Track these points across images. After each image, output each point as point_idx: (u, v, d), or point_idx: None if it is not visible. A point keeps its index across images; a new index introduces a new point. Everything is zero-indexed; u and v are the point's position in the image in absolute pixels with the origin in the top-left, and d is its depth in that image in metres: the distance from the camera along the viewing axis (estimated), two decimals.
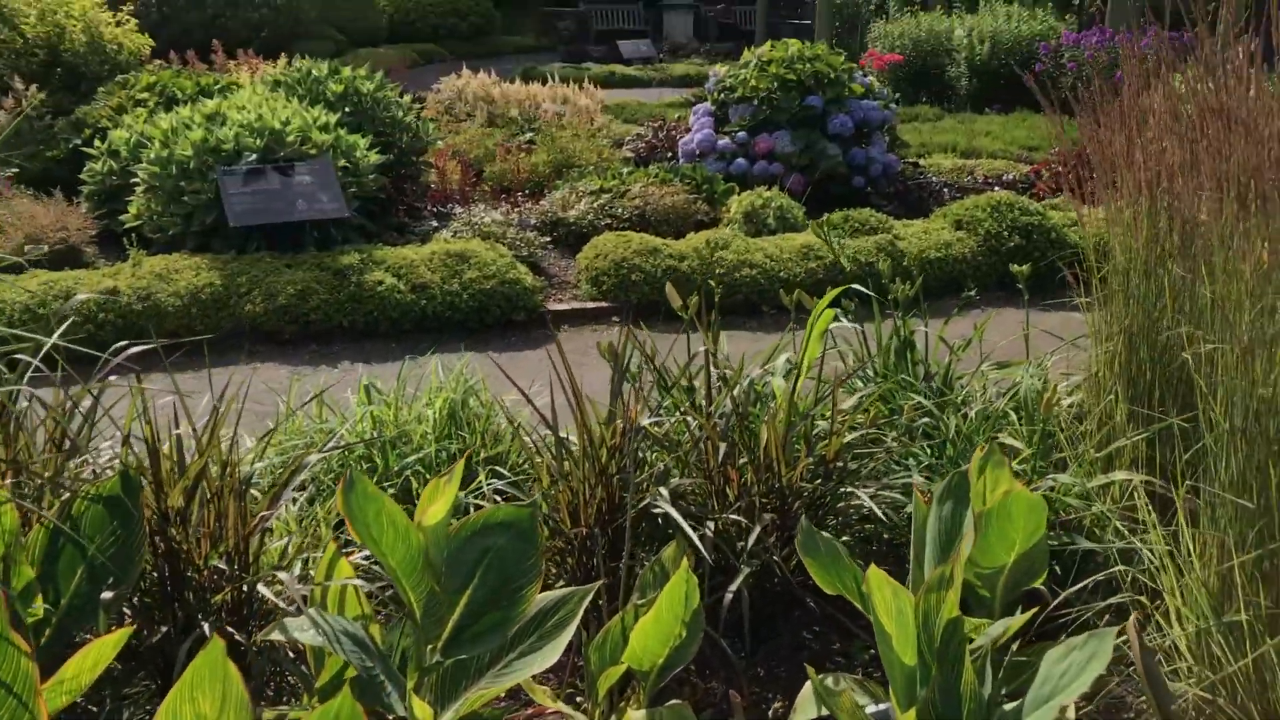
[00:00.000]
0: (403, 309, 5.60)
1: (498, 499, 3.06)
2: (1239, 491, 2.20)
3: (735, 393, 2.93)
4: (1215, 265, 2.26)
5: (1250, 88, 2.22)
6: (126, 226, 6.16)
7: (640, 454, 2.85)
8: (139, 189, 6.16)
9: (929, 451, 3.26)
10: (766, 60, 8.26)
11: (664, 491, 2.56)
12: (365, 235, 6.44)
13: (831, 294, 2.94)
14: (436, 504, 1.98)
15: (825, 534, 2.66)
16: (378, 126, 6.96)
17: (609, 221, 6.96)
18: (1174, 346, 2.68)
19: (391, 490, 3.09)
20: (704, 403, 2.87)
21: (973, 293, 6.54)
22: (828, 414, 2.94)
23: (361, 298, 5.57)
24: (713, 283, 3.73)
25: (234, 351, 5.46)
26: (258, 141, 6.02)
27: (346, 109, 6.95)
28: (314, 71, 7.03)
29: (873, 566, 1.85)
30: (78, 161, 6.88)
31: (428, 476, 3.15)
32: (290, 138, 6.09)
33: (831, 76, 8.15)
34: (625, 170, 7.66)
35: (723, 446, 2.63)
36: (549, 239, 6.82)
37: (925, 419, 3.33)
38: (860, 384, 3.61)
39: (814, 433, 2.94)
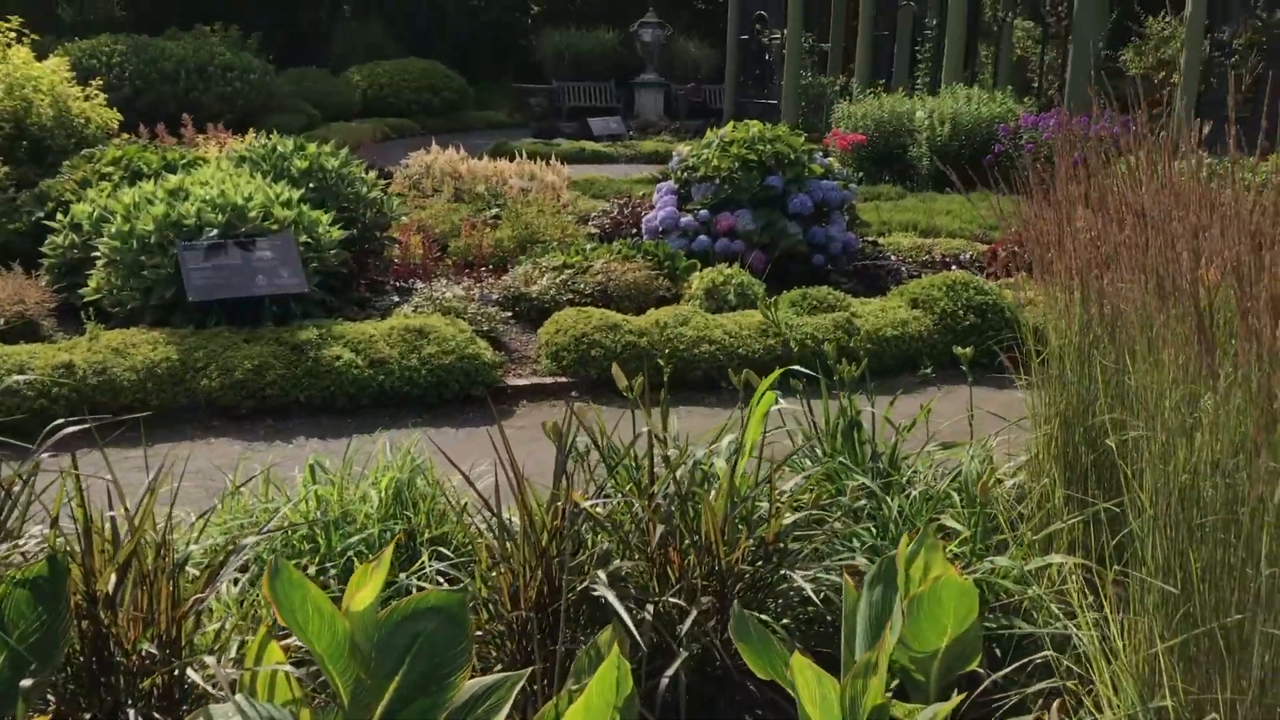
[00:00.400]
0: (360, 384, 5.60)
1: (441, 580, 3.05)
2: (1163, 577, 2.23)
3: (679, 474, 2.95)
4: (1138, 354, 2.32)
5: (1167, 179, 2.30)
6: (86, 300, 6.16)
7: (583, 535, 2.85)
8: (100, 263, 6.17)
9: (873, 533, 3.28)
10: (729, 140, 8.40)
11: (602, 575, 2.56)
12: (326, 310, 6.46)
13: (772, 376, 2.98)
14: (364, 590, 1.98)
15: (764, 617, 2.67)
16: (341, 202, 7.01)
17: (571, 297, 7.02)
18: (1106, 431, 2.73)
19: (334, 570, 3.07)
20: (646, 483, 2.89)
21: (928, 370, 6.62)
22: (769, 495, 2.96)
23: (319, 373, 5.57)
24: (662, 361, 3.75)
25: (189, 426, 5.43)
26: (219, 217, 6.05)
27: (311, 185, 7.00)
28: (279, 148, 7.10)
29: (796, 654, 1.86)
30: (40, 234, 6.89)
31: (371, 557, 3.13)
32: (252, 213, 6.13)
33: (792, 157, 8.30)
34: (589, 246, 7.74)
35: (661, 529, 2.64)
36: (510, 314, 6.87)
37: (870, 500, 3.35)
38: (808, 463, 3.64)
39: (755, 515, 2.96)
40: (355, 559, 3.13)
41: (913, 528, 3.18)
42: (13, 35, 9.05)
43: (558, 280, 7.09)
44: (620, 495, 2.88)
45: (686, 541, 2.81)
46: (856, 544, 3.22)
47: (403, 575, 3.00)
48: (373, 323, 6.03)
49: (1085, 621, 2.32)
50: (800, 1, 17.87)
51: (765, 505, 2.91)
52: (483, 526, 2.95)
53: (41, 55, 9.32)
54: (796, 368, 3.78)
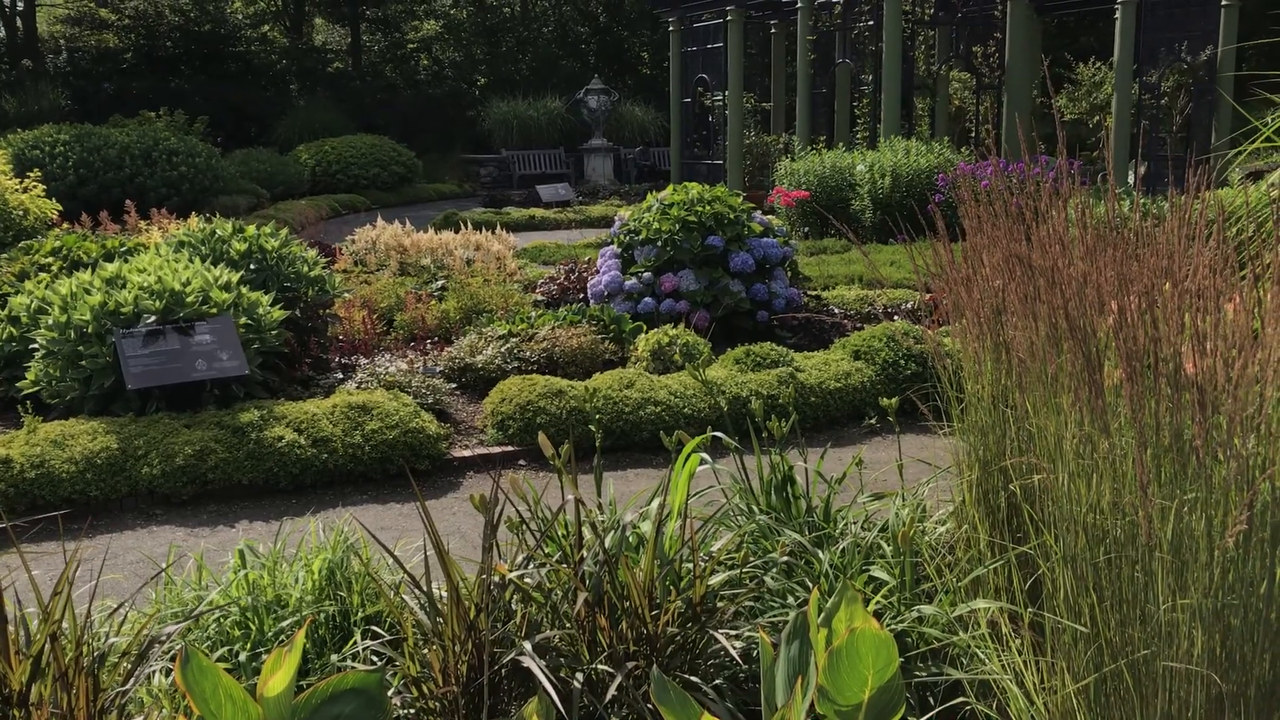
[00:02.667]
0: (303, 464, 5.58)
1: (375, 660, 3.04)
2: (1073, 616, 2.27)
3: (608, 540, 2.97)
4: (1036, 399, 2.38)
5: (1055, 229, 2.37)
6: (24, 393, 6.11)
7: (512, 607, 2.86)
8: (37, 355, 6.13)
9: (807, 587, 3.30)
10: (668, 203, 8.52)
11: (528, 645, 2.56)
12: (269, 390, 6.44)
13: (696, 440, 3.02)
14: (277, 675, 1.98)
15: (694, 679, 2.67)
16: (282, 282, 7.03)
17: (517, 365, 7.04)
18: (1017, 476, 2.78)
19: (266, 655, 3.05)
20: (573, 551, 2.90)
21: (873, 421, 6.71)
22: (693, 557, 2.98)
23: (261, 455, 5.55)
24: (594, 426, 3.77)
25: (131, 515, 5.38)
26: (157, 303, 6.05)
27: (251, 266, 7.02)
28: (218, 231, 7.12)
29: (705, 715, 1.87)
30: None
31: (304, 642, 3.12)
32: (190, 298, 6.13)
33: (731, 217, 8.42)
34: (534, 314, 7.79)
35: (582, 596, 2.65)
36: (456, 386, 6.88)
37: (804, 554, 3.38)
38: (742, 522, 3.67)
39: (685, 577, 2.98)
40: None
41: (844, 580, 3.22)
42: None
43: (503, 349, 7.12)
44: (548, 565, 2.89)
45: (618, 607, 2.82)
46: (791, 600, 3.24)
47: (334, 656, 2.98)
48: (315, 401, 6.02)
49: (996, 665, 2.35)
50: (740, 64, 18.21)
51: (691, 566, 2.93)
52: (414, 604, 2.94)
53: None
54: (717, 433, 3.81)
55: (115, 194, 14.80)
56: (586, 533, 2.93)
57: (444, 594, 2.83)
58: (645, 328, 7.78)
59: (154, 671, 2.91)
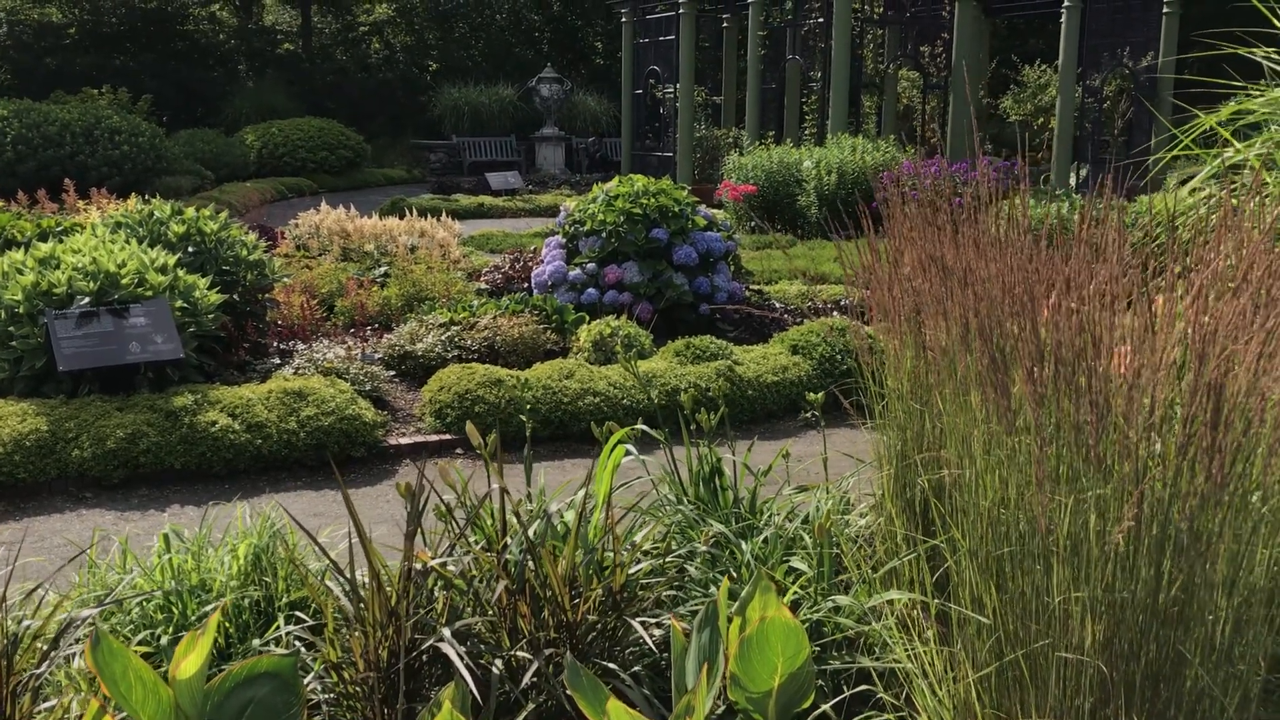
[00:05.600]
0: (237, 449, 5.55)
1: (299, 645, 3.05)
2: (976, 607, 2.34)
3: (533, 529, 3.01)
4: (946, 396, 2.44)
5: (970, 232, 2.43)
6: None
7: (435, 594, 2.88)
8: None
9: (733, 577, 3.36)
10: (614, 195, 8.55)
11: (446, 632, 2.59)
12: (205, 375, 6.39)
13: (621, 432, 3.06)
14: (189, 658, 1.99)
15: (612, 665, 2.72)
16: (221, 265, 6.97)
17: (457, 353, 7.04)
18: (930, 470, 2.85)
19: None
20: (497, 539, 2.94)
21: (809, 414, 6.79)
22: (614, 545, 3.03)
23: (194, 439, 5.51)
24: (524, 417, 3.80)
25: (60, 498, 5.33)
26: (91, 285, 5.98)
27: (189, 249, 6.95)
28: (156, 212, 7.04)
29: (612, 699, 1.92)
30: None
31: (228, 625, 3.12)
32: (125, 280, 6.06)
33: (676, 210, 8.47)
34: (476, 303, 7.79)
35: (502, 583, 2.68)
36: (395, 373, 6.87)
37: (729, 545, 3.44)
38: (671, 512, 3.72)
39: (607, 565, 3.02)
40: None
41: (759, 570, 3.28)
42: None
43: (443, 337, 7.12)
44: (470, 553, 2.91)
45: (540, 595, 2.86)
46: (714, 589, 3.30)
47: (256, 641, 2.99)
48: (251, 386, 5.99)
49: (902, 654, 2.42)
50: (691, 58, 18.25)
51: (614, 555, 2.97)
52: (337, 590, 2.96)
53: None
54: (644, 427, 3.85)
55: (55, 172, 14.54)
56: (511, 521, 2.96)
57: (368, 580, 2.85)
58: (588, 319, 7.81)
59: (74, 654, 2.90)
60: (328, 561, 2.90)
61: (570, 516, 3.14)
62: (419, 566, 2.78)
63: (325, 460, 5.74)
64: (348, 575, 2.79)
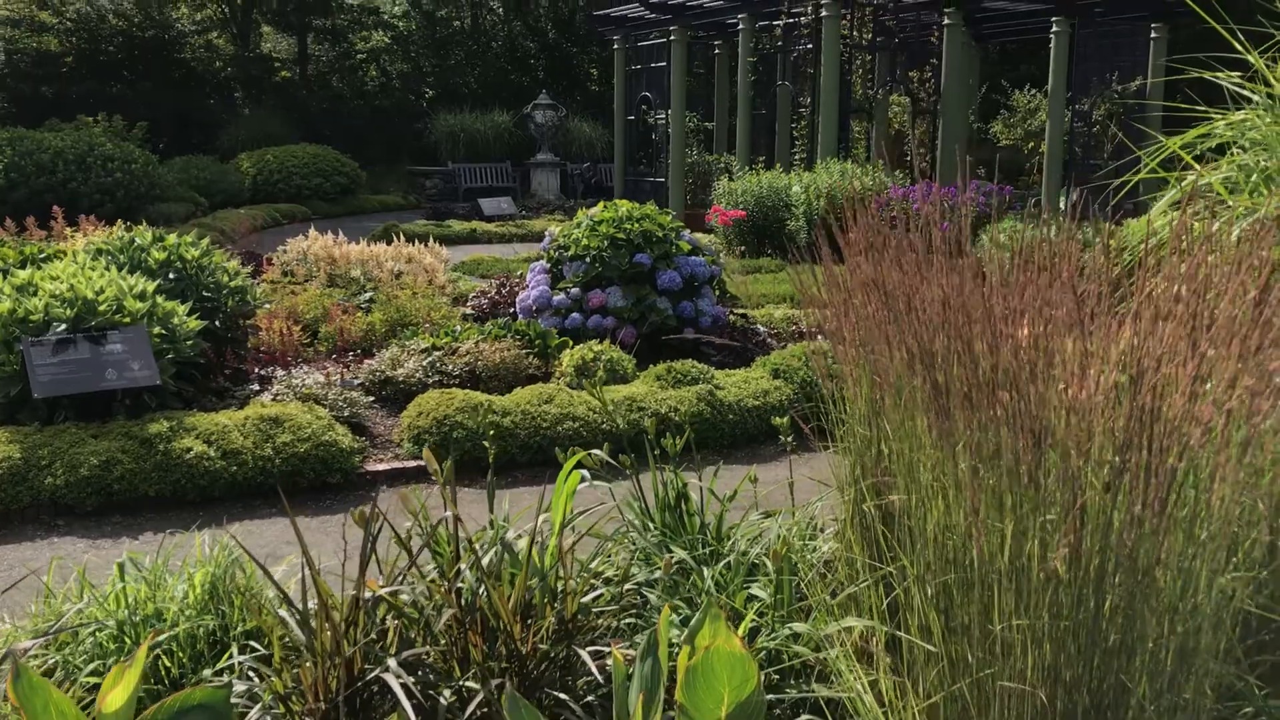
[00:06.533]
0: (212, 476, 5.52)
1: (251, 675, 3.02)
2: (923, 635, 2.31)
3: (487, 557, 2.98)
4: (893, 421, 2.43)
5: (911, 260, 2.42)
6: None
7: (387, 622, 2.86)
8: None
9: (694, 604, 3.33)
10: (598, 220, 8.55)
11: (392, 662, 2.56)
12: (183, 401, 6.37)
13: (577, 456, 3.04)
14: (115, 691, 1.96)
15: (562, 696, 2.68)
16: (202, 291, 6.96)
17: (439, 379, 7.02)
18: (881, 495, 2.83)
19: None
20: (449, 568, 2.91)
21: (789, 438, 6.75)
22: (580, 573, 3.00)
23: (169, 466, 5.48)
24: (486, 443, 3.78)
25: (32, 526, 5.29)
26: (68, 311, 5.97)
27: (170, 275, 6.94)
28: (137, 239, 7.03)
29: None
30: None
31: (181, 655, 3.09)
32: (103, 307, 6.05)
33: (660, 235, 8.47)
34: (459, 328, 7.78)
35: (449, 612, 2.65)
36: (375, 399, 6.85)
37: (692, 571, 3.41)
38: (636, 539, 3.69)
39: (560, 593, 2.99)
40: (164, 657, 3.08)
41: (708, 599, 3.25)
42: None
43: (424, 363, 7.10)
44: (424, 581, 2.89)
45: (492, 624, 2.83)
46: (675, 617, 3.27)
47: (207, 671, 2.96)
48: (228, 413, 5.97)
49: (850, 682, 2.39)
50: (682, 84, 18.32)
51: (572, 583, 2.94)
52: (290, 619, 2.93)
53: None
54: (598, 452, 3.82)
55: (47, 199, 14.55)
56: (464, 548, 2.94)
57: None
58: (571, 343, 7.80)
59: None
60: (288, 591, 2.87)
61: (522, 545, 3.11)
62: (370, 595, 2.75)
63: (300, 487, 5.71)
64: (299, 605, 2.76)
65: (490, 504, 3.66)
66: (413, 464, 6.12)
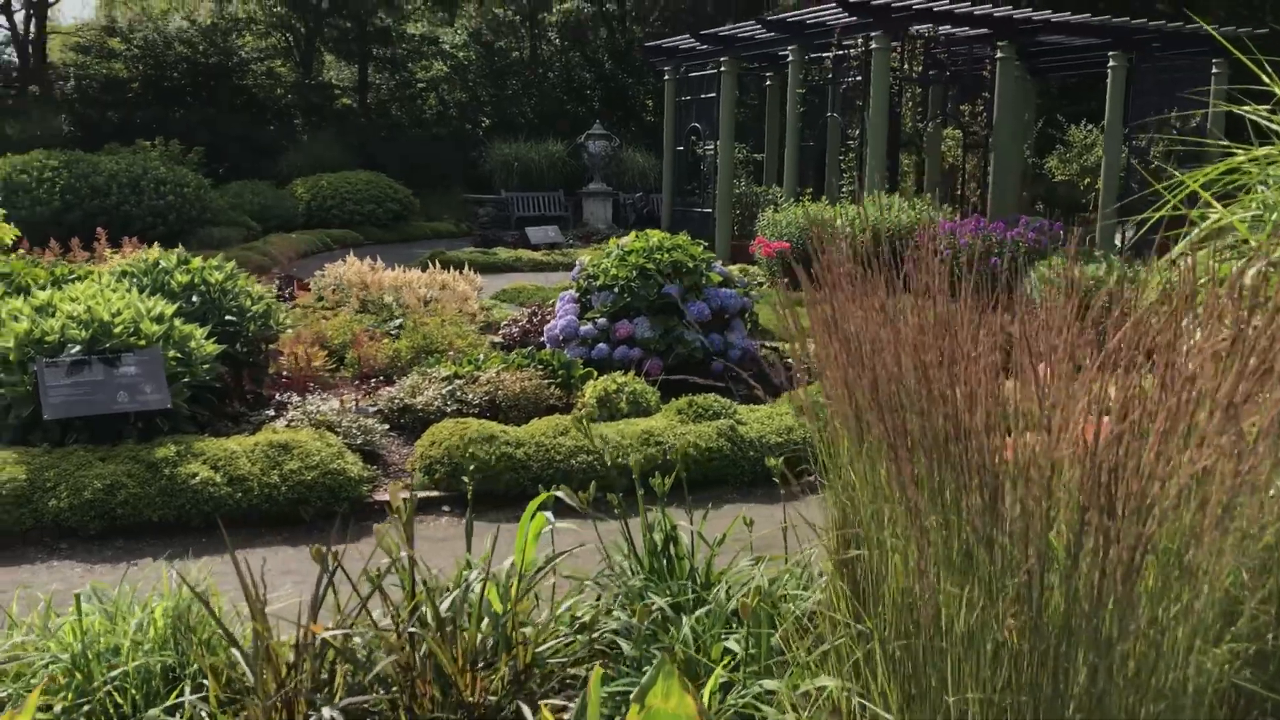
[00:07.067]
0: (216, 502, 5.46)
1: (203, 715, 2.91)
2: (882, 700, 2.14)
3: (446, 603, 2.85)
4: (857, 471, 2.26)
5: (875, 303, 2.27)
6: None
7: (336, 666, 2.73)
8: None
9: (673, 655, 3.17)
10: (628, 250, 8.45)
11: (327, 712, 2.44)
12: (197, 425, 6.34)
13: (542, 496, 2.90)
14: None
15: None
16: (224, 315, 6.95)
17: (458, 408, 6.93)
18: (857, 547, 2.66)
19: (87, 707, 2.92)
20: (403, 612, 2.79)
21: (813, 478, 6.56)
22: (552, 619, 2.86)
23: (174, 491, 5.43)
24: (465, 478, 3.66)
25: (35, 549, 5.26)
26: (84, 333, 5.97)
27: (194, 299, 6.94)
28: (161, 262, 7.05)
29: None
30: None
31: (134, 693, 2.99)
32: (118, 329, 6.05)
33: (690, 265, 8.34)
34: (481, 356, 7.69)
35: (388, 659, 2.52)
36: (391, 426, 6.77)
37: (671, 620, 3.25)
38: (615, 584, 3.54)
39: (533, 640, 2.85)
40: (115, 693, 2.98)
41: (662, 656, 3.09)
42: None
43: (444, 391, 7.02)
44: (373, 627, 2.76)
45: (447, 671, 2.69)
46: (649, 668, 3.11)
47: (153, 710, 2.85)
48: (238, 438, 5.91)
49: None
50: (731, 115, 18.24)
51: (528, 630, 2.80)
52: (241, 659, 2.82)
53: None
54: (555, 493, 3.67)
55: (101, 221, 14.77)
56: (420, 591, 2.81)
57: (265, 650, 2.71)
58: (596, 374, 7.68)
59: None
60: (221, 629, 2.76)
61: (489, 590, 2.98)
62: (317, 639, 2.63)
63: (309, 516, 5.62)
64: (239, 646, 2.65)
65: (468, 541, 3.54)
66: (422, 494, 6.02)
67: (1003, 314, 2.44)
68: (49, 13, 28.84)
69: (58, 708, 2.87)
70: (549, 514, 3.05)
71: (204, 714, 2.88)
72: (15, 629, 3.32)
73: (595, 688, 2.13)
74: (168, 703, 2.89)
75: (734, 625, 3.19)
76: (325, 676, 2.70)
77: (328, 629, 2.66)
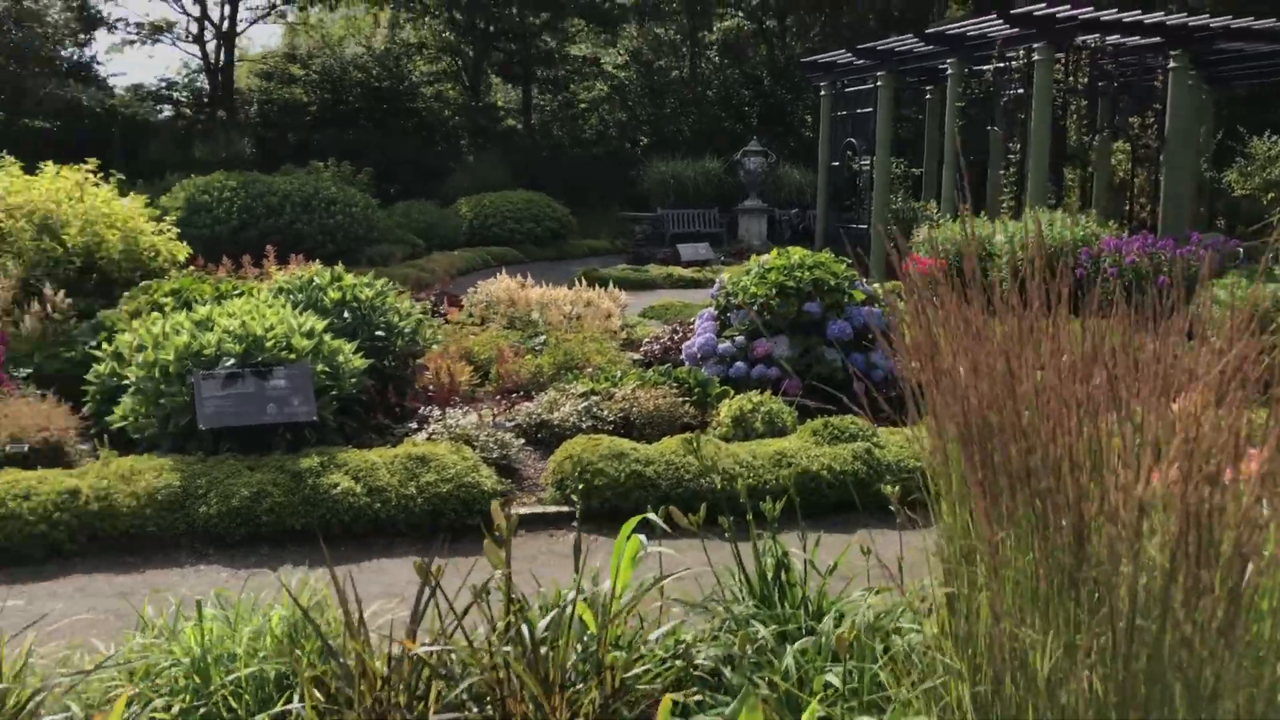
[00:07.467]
0: (355, 512, 5.63)
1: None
2: None
3: (545, 622, 2.86)
4: (944, 504, 2.16)
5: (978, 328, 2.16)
6: (114, 426, 6.39)
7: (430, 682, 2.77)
8: (129, 390, 6.42)
9: (774, 685, 3.10)
10: (768, 267, 8.37)
11: None
12: (344, 437, 6.56)
13: (636, 518, 2.88)
14: None
15: None
16: (373, 331, 7.18)
17: (593, 424, 6.98)
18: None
19: (203, 710, 3.04)
20: (502, 630, 2.80)
21: (900, 508, 6.34)
22: (654, 644, 2.84)
23: (316, 500, 5.63)
24: (575, 496, 3.67)
25: (185, 553, 5.52)
26: (238, 347, 6.26)
27: (345, 315, 7.20)
28: (315, 279, 7.34)
29: None
30: (90, 363, 7.22)
31: (247, 698, 3.09)
32: (270, 343, 6.32)
33: (832, 284, 8.20)
34: (619, 373, 7.73)
35: (472, 678, 2.54)
36: (527, 441, 6.86)
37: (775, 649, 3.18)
38: (721, 610, 3.49)
39: (632, 664, 2.83)
40: (230, 698, 3.09)
41: (803, 681, 3.01)
42: (96, 176, 9.72)
43: (580, 407, 7.08)
44: (464, 646, 2.78)
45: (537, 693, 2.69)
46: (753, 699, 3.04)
47: (261, 716, 2.94)
48: (380, 450, 6.09)
49: None
50: (888, 130, 17.90)
51: (620, 655, 2.78)
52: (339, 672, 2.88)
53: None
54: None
55: (274, 239, 15.49)
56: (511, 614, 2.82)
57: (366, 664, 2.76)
58: (732, 393, 7.62)
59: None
60: (324, 643, 2.83)
61: (583, 610, 2.97)
62: (410, 654, 2.67)
63: (439, 528, 5.75)
64: (338, 658, 2.71)
65: (576, 561, 3.53)
66: (553, 509, 6.08)
67: (1159, 338, 2.29)
68: (238, 42, 30.56)
69: (175, 708, 2.99)
70: (642, 537, 3.03)
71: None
72: (147, 630, 3.48)
73: (664, 714, 2.09)
74: (275, 709, 2.97)
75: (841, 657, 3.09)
76: (421, 691, 2.74)
77: (424, 644, 2.69)
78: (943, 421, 2.07)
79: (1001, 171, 15.62)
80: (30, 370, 7.17)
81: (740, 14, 33.17)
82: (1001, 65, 15.22)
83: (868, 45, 18.16)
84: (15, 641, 3.29)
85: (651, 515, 3.26)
